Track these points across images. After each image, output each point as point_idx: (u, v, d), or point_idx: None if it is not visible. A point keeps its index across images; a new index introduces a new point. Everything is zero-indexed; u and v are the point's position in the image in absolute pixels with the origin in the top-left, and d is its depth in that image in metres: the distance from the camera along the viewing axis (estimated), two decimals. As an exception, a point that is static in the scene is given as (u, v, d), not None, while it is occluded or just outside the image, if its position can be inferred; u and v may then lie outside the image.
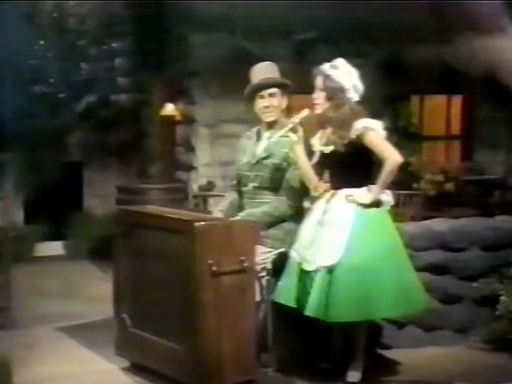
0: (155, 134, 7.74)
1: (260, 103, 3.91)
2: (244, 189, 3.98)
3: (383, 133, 3.68)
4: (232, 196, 4.09)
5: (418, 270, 4.42)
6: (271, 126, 3.94)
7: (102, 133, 7.29)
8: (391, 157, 3.59)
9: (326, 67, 3.73)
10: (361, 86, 3.75)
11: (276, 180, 3.86)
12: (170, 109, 7.17)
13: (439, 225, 4.64)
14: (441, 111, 8.43)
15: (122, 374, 3.96)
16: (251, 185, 3.93)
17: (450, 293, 4.50)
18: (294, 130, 3.69)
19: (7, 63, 6.10)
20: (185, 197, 6.55)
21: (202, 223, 3.46)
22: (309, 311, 3.56)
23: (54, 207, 7.13)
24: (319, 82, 3.73)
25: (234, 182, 4.10)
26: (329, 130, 3.74)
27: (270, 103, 3.89)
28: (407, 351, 4.27)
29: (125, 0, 7.05)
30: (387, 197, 3.73)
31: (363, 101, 3.80)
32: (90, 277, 6.22)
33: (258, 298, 3.67)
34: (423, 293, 3.75)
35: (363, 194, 3.65)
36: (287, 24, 6.85)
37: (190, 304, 3.46)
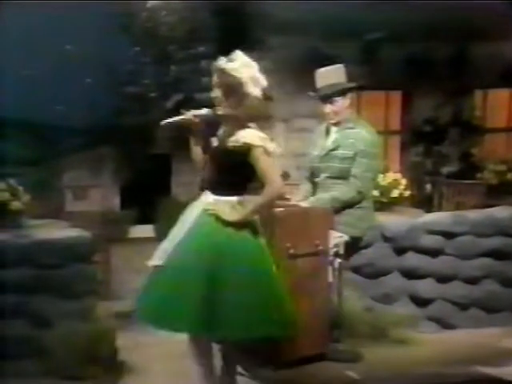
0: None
1: (323, 108, 3.90)
2: (317, 180, 3.97)
3: (271, 147, 2.95)
4: (305, 187, 4.09)
5: (480, 255, 4.40)
6: (338, 122, 3.91)
7: (188, 128, 7.41)
8: (274, 184, 2.91)
9: (221, 62, 2.96)
10: (262, 79, 2.99)
11: (345, 169, 3.82)
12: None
13: (501, 212, 4.51)
14: (503, 104, 8.18)
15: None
16: (323, 175, 3.91)
17: (510, 277, 4.38)
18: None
19: (108, 68, 6.32)
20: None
21: (282, 209, 3.50)
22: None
23: (146, 194, 7.30)
24: (214, 78, 2.99)
25: (308, 174, 4.09)
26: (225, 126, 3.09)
27: (331, 109, 3.87)
28: (470, 331, 4.21)
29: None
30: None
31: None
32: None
33: (330, 279, 3.67)
34: (273, 322, 2.96)
35: (229, 210, 2.93)
36: (356, 25, 6.78)
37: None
